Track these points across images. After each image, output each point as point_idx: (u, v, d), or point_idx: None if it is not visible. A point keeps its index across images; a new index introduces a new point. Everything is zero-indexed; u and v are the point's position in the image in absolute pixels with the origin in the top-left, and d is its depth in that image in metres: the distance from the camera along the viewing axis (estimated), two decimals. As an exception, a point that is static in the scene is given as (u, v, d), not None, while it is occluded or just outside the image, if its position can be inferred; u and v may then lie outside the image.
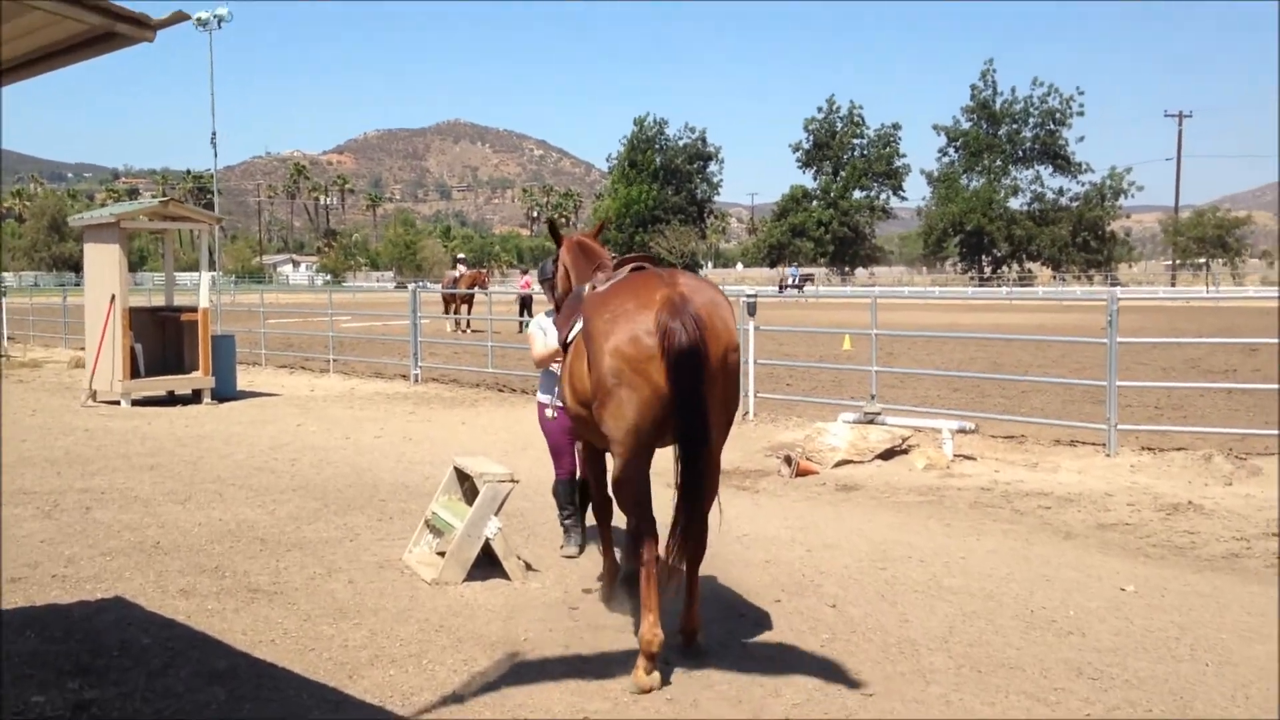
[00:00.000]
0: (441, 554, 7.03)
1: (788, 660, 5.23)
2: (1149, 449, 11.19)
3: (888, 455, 11.14)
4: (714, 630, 5.72)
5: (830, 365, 19.13)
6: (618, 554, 6.57)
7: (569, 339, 5.90)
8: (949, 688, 4.90)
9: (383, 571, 6.89)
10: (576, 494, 7.44)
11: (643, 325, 4.99)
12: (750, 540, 7.93)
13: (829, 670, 5.11)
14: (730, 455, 11.76)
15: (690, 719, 4.54)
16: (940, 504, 9.37)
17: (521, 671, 5.06)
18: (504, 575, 6.65)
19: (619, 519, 6.77)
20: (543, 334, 7.37)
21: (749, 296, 14.47)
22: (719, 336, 5.07)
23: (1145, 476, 10.18)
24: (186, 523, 8.27)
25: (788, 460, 10.79)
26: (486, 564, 6.66)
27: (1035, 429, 12.53)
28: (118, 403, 16.25)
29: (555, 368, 7.22)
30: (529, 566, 6.93)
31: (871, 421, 11.81)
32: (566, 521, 7.58)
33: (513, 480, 6.72)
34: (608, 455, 5.95)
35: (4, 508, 8.68)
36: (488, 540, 6.58)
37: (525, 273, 34.22)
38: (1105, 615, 6.07)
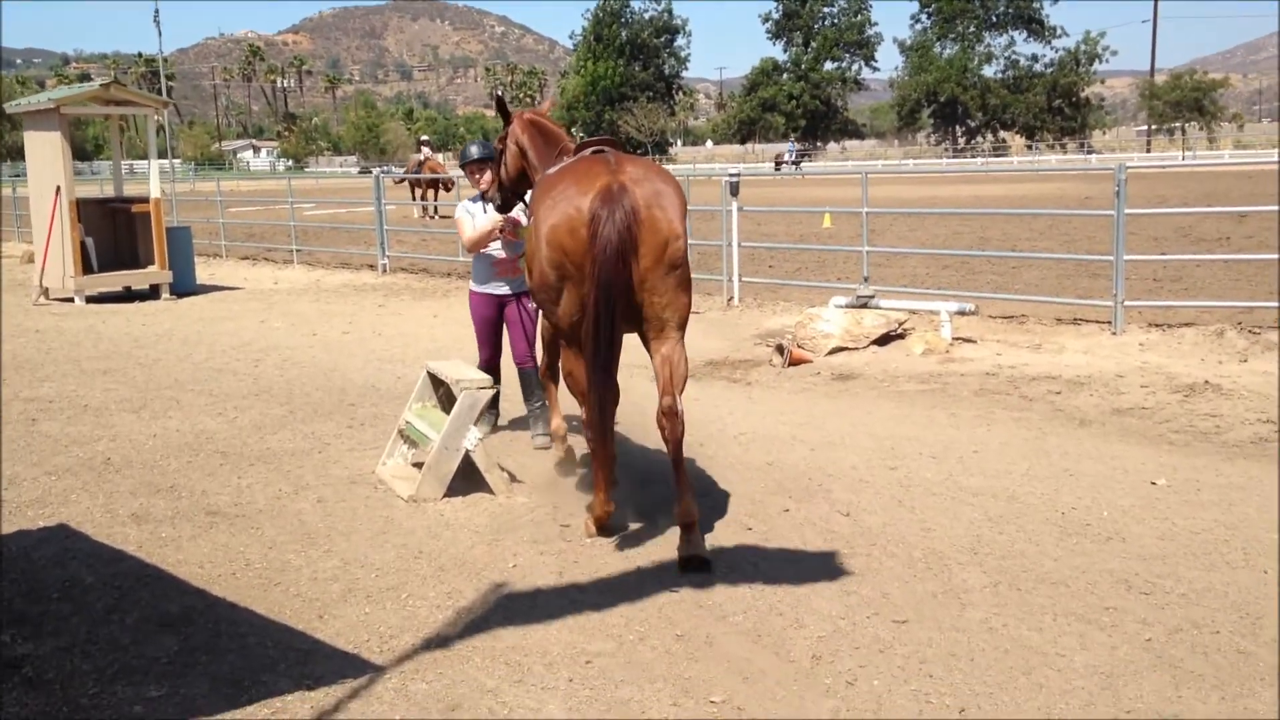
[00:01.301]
0: (418, 466, 6.48)
1: (806, 582, 4.73)
2: (1156, 325, 10.70)
3: (883, 341, 10.61)
4: (722, 548, 5.21)
5: (816, 246, 18.47)
6: (563, 417, 6.73)
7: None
8: (988, 610, 4.42)
9: (354, 488, 6.32)
10: (497, 378, 7.22)
11: (580, 214, 4.93)
12: (748, 440, 7.41)
13: (852, 593, 4.62)
14: (718, 345, 11.23)
15: (707, 659, 4.03)
16: (944, 392, 8.87)
17: (512, 605, 4.53)
18: (487, 489, 6.10)
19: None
20: (470, 218, 7.35)
21: (732, 176, 13.71)
22: (658, 229, 4.96)
23: (1156, 355, 9.70)
24: (140, 434, 7.65)
25: (779, 349, 10.24)
26: (467, 476, 6.10)
27: (1035, 307, 12.00)
28: (71, 300, 15.45)
29: (494, 249, 7.30)
30: (513, 478, 6.38)
31: (865, 305, 11.24)
32: (535, 408, 7.37)
33: (492, 387, 6.12)
34: None
35: (-59, 423, 8.04)
36: (468, 452, 6.01)
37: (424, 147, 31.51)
38: (1142, 515, 5.61)
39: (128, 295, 16.10)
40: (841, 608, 4.46)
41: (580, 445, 6.52)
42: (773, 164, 71.48)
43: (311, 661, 4.02)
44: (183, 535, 5.49)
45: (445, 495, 6.02)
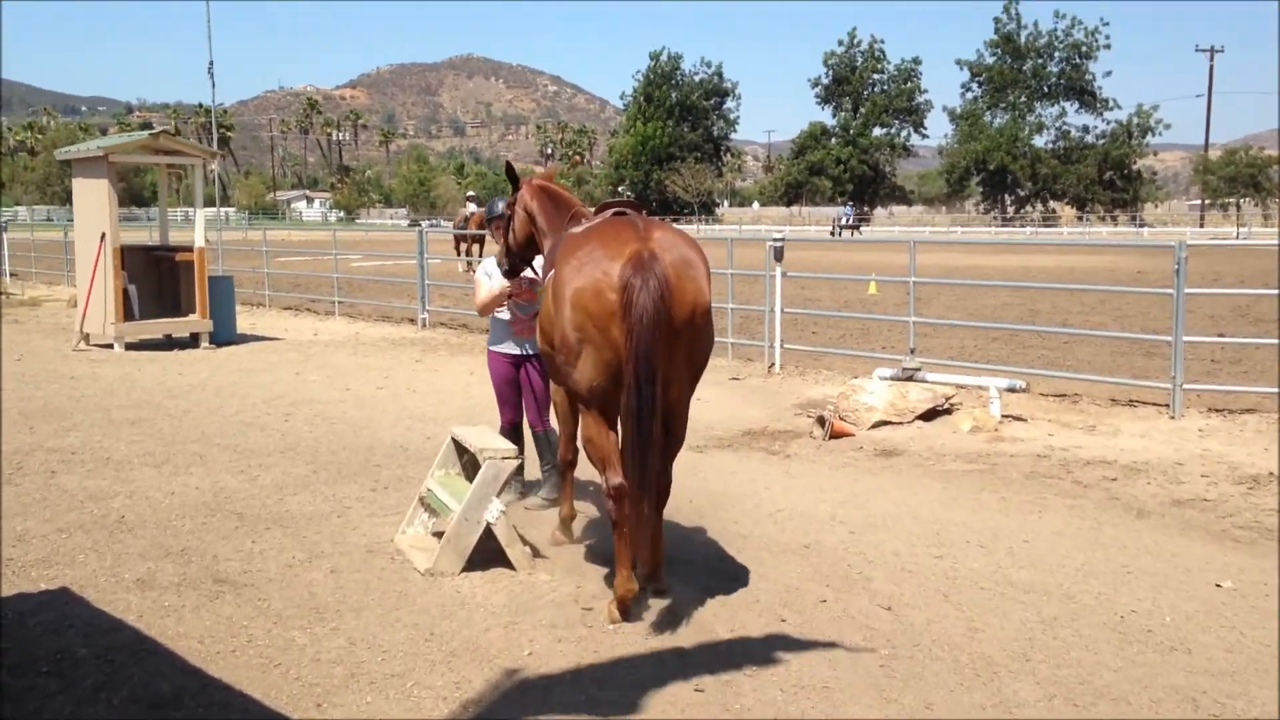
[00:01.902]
0: (438, 535, 6.19)
1: (844, 686, 4.37)
2: (1216, 410, 10.25)
3: (929, 416, 10.24)
4: (753, 643, 4.86)
5: (860, 315, 18.12)
6: (575, 506, 6.61)
7: (543, 285, 5.59)
8: (1042, 728, 4.04)
9: (371, 558, 6.05)
10: (520, 445, 7.15)
11: (607, 279, 4.85)
12: (785, 519, 7.06)
13: (893, 702, 4.25)
14: (757, 413, 10.91)
15: (731, 774, 3.69)
16: (992, 473, 8.48)
17: (524, 700, 4.22)
18: (508, 563, 5.81)
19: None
20: (488, 279, 7.21)
21: (776, 240, 13.47)
22: (685, 299, 4.92)
23: (1216, 443, 9.25)
24: (158, 492, 7.44)
25: (821, 421, 9.90)
26: (488, 548, 5.81)
27: (1088, 386, 11.58)
28: (111, 346, 15.44)
29: (503, 314, 7.25)
30: (536, 552, 6.08)
31: (910, 378, 10.87)
32: (546, 469, 7.30)
33: (517, 457, 5.85)
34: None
35: (-38, 471, 7.89)
36: (489, 525, 5.73)
37: (470, 203, 32.87)
38: (1206, 622, 5.20)
39: (168, 343, 16.07)
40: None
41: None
42: (830, 229, 70.93)
43: (303, 758, 3.72)
44: (186, 605, 5.24)
45: (464, 569, 5.73)
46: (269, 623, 5.02)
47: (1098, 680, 4.48)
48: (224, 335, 16.46)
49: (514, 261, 6.71)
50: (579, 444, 5.29)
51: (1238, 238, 61.84)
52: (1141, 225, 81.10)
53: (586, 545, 6.38)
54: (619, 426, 5.17)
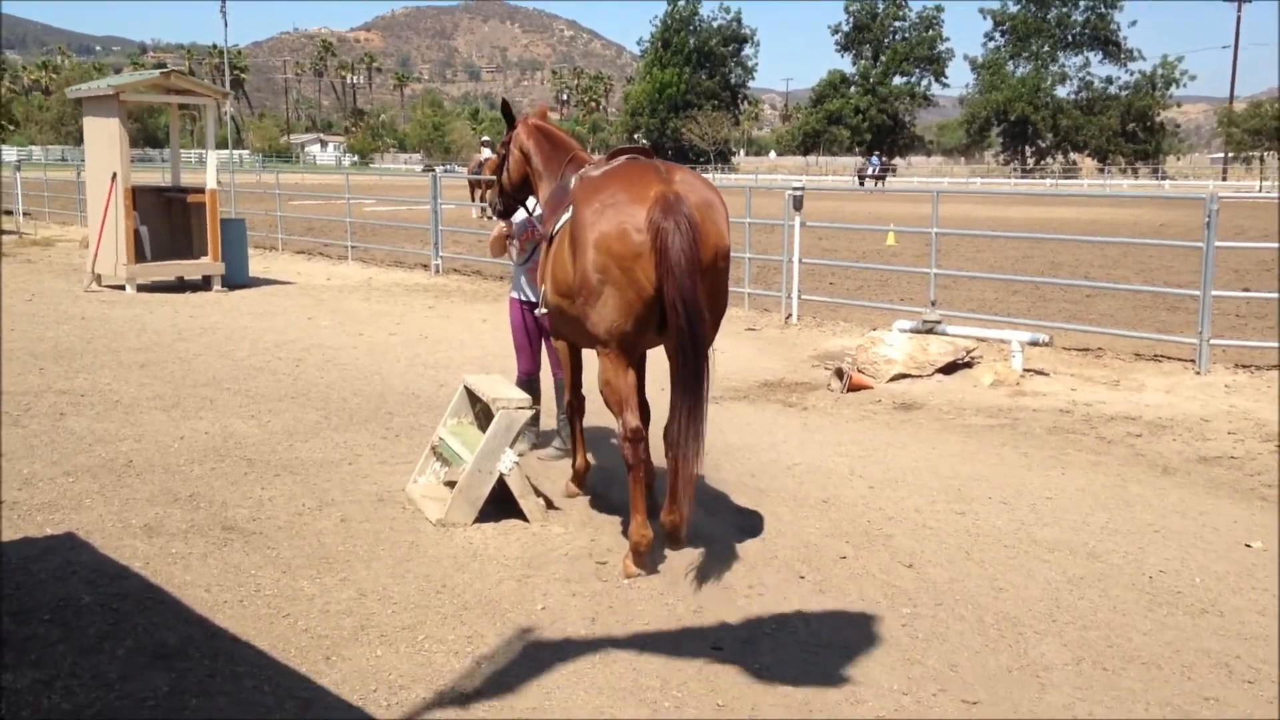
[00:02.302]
0: (450, 485, 6.09)
1: (864, 647, 4.26)
2: (1243, 366, 10.04)
3: (949, 369, 10.06)
4: (771, 599, 4.74)
5: (880, 265, 17.86)
6: (590, 457, 6.46)
7: (555, 230, 5.48)
8: (1071, 694, 3.91)
9: (381, 506, 5.94)
10: (536, 395, 7.11)
11: (633, 220, 4.75)
12: (803, 472, 6.93)
13: (916, 664, 4.13)
14: (774, 364, 10.75)
15: (750, 737, 3.58)
16: (1014, 428, 8.32)
17: (538, 656, 4.11)
18: (521, 515, 5.69)
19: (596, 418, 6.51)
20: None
21: (795, 190, 13.22)
22: (709, 242, 4.84)
23: (1243, 399, 9.06)
24: (167, 435, 7.34)
25: (839, 373, 9.74)
26: (500, 500, 5.70)
27: (1111, 340, 11.37)
28: (123, 288, 15.33)
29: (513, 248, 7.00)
30: (550, 504, 5.96)
31: (931, 331, 10.69)
32: (563, 418, 7.07)
33: (531, 407, 5.71)
34: (584, 352, 6.00)
35: (-30, 413, 7.81)
36: (502, 476, 5.60)
37: (484, 148, 32.42)
38: (1238, 584, 5.05)
39: (180, 285, 15.96)
40: (904, 680, 3.98)
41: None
42: (855, 178, 69.95)
43: (310, 713, 3.63)
44: (194, 552, 5.14)
45: (476, 520, 5.62)
46: (277, 572, 4.92)
47: (1127, 643, 4.35)
48: (236, 278, 16.34)
49: (507, 203, 6.64)
50: (598, 389, 5.12)
51: (1260, 191, 60.99)
52: (1163, 178, 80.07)
53: (600, 497, 6.26)
54: (639, 369, 5.13)
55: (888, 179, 68.16)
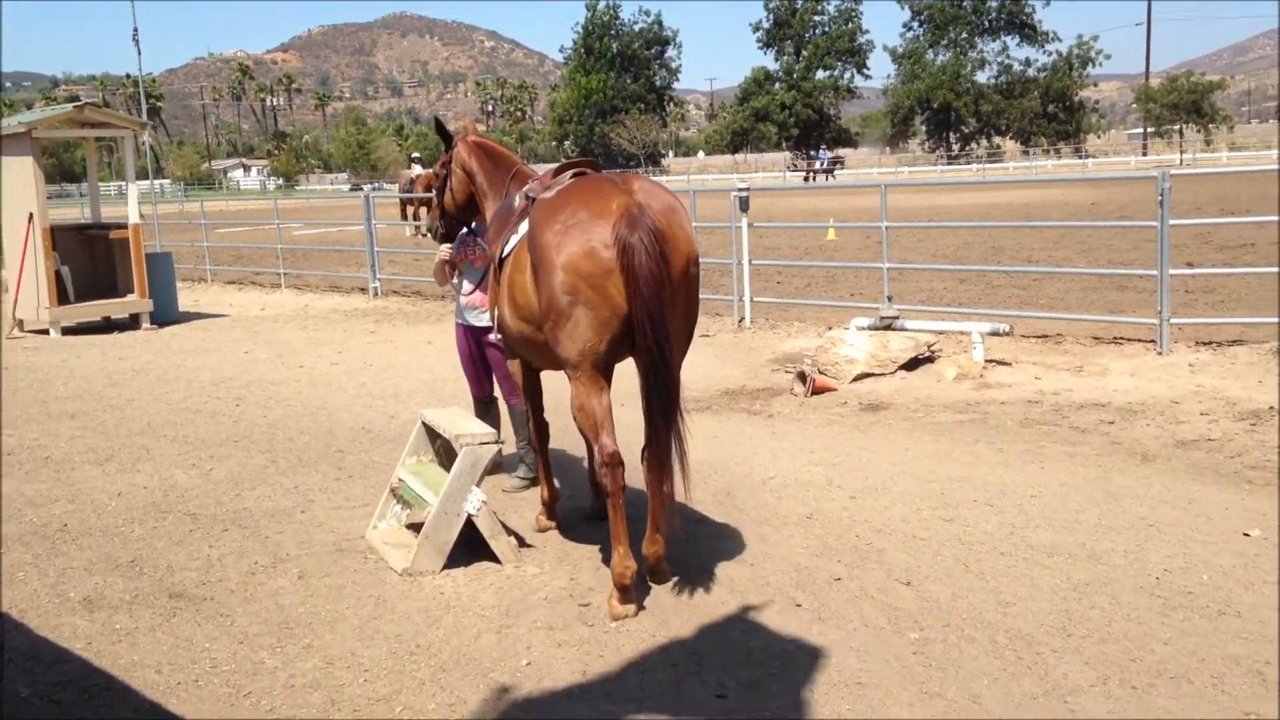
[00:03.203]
0: (412, 528, 5.73)
1: (878, 680, 3.97)
2: (1204, 344, 9.97)
3: (912, 365, 9.86)
4: (769, 634, 4.45)
5: (834, 264, 17.68)
6: (556, 483, 6.20)
7: (505, 253, 5.28)
8: (1104, 716, 3.66)
9: (341, 558, 5.55)
10: (495, 419, 6.86)
11: (599, 237, 4.56)
12: (780, 486, 6.66)
13: (936, 696, 3.86)
14: (733, 371, 10.49)
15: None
16: (985, 423, 8.13)
17: (528, 718, 3.77)
18: (492, 556, 5.35)
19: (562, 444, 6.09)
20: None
21: (741, 190, 12.99)
22: (680, 249, 4.68)
23: (1209, 377, 8.96)
24: (104, 493, 6.88)
25: (801, 376, 9.49)
26: (468, 541, 5.34)
27: (1067, 325, 11.26)
28: (47, 332, 14.68)
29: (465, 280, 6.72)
30: (522, 541, 5.62)
31: (889, 327, 10.50)
32: (523, 445, 6.80)
33: (496, 442, 5.36)
34: (543, 375, 5.83)
35: (-114, 482, 7.26)
36: (470, 517, 5.25)
37: (415, 164, 31.95)
38: (1246, 578, 4.86)
39: (107, 325, 15.33)
40: (926, 717, 3.71)
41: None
42: (802, 175, 69.51)
43: (284, 812, 3.26)
44: (140, 626, 4.72)
45: (445, 567, 5.26)
46: (234, 643, 4.52)
47: (1149, 656, 4.12)
48: (165, 314, 15.76)
49: (450, 225, 6.44)
50: (572, 414, 4.86)
51: (1181, 165, 62.19)
52: (1085, 157, 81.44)
53: (572, 529, 5.93)
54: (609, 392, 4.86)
55: (835, 172, 67.49)
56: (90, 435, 8.57)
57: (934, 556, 5.30)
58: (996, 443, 7.57)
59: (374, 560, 5.50)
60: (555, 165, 5.65)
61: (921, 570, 5.11)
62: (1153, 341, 10.00)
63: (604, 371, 4.79)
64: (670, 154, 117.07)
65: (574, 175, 5.29)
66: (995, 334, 10.04)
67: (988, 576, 5.01)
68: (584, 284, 4.58)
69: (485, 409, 6.89)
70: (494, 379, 6.94)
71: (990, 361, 9.86)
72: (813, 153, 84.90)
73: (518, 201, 5.47)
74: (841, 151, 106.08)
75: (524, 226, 5.04)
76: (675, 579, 5.02)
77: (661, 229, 4.56)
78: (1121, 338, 10.54)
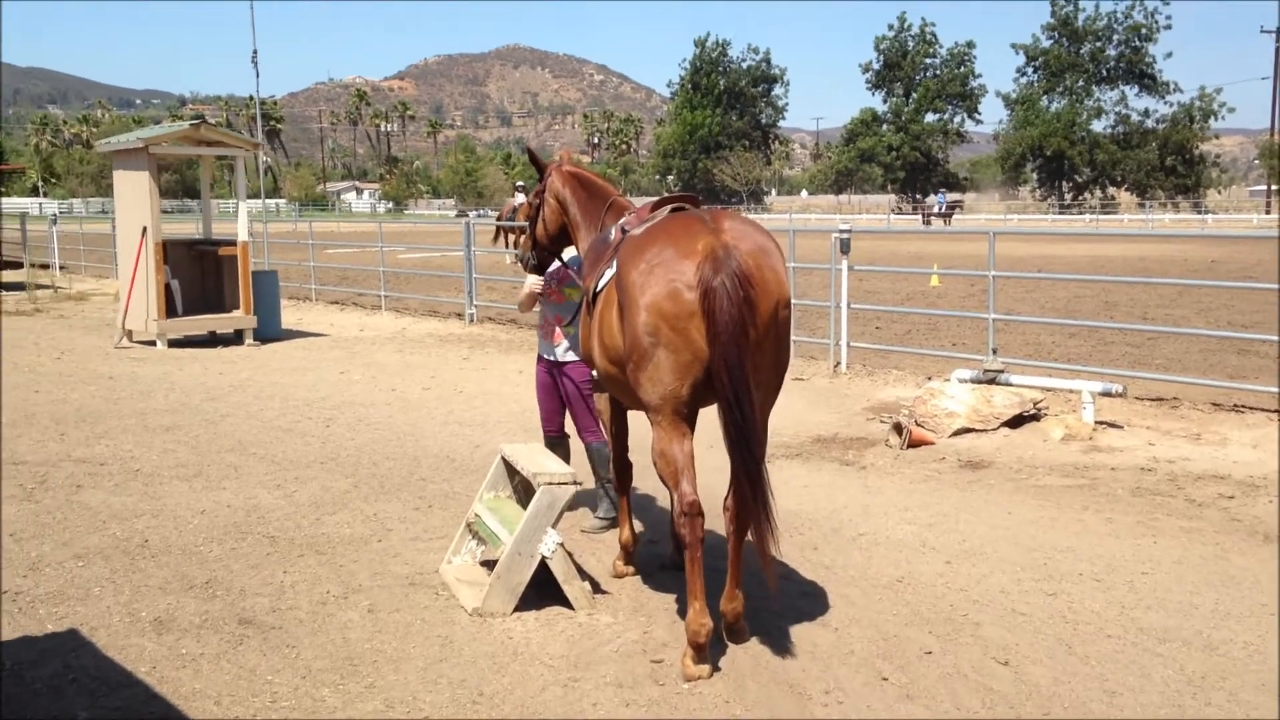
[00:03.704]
0: (486, 564, 5.58)
1: (969, 772, 3.67)
2: (1333, 417, 9.36)
3: (1015, 423, 9.44)
4: (852, 707, 4.17)
5: (937, 311, 17.21)
6: (636, 524, 6.07)
7: (599, 288, 5.13)
8: (1223, 836, 3.32)
9: (413, 592, 5.43)
10: (565, 455, 6.55)
11: (683, 278, 4.41)
12: (870, 544, 6.36)
13: (1033, 794, 3.55)
14: (826, 418, 10.18)
15: None
16: (1094, 489, 7.70)
17: (591, 788, 3.56)
18: (565, 600, 5.16)
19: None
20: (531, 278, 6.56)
21: (842, 232, 12.71)
22: (769, 291, 4.48)
23: (1339, 454, 8.39)
24: (187, 510, 6.88)
25: (898, 428, 9.16)
26: (541, 582, 5.17)
27: (1182, 388, 10.69)
28: (154, 343, 15.02)
29: (547, 309, 6.54)
30: (596, 588, 5.43)
31: (994, 381, 10.10)
32: (606, 481, 6.55)
33: (575, 482, 5.19)
34: (630, 414, 5.62)
35: (-18, 485, 7.39)
36: (544, 559, 5.08)
37: (518, 193, 32.02)
38: (1383, 683, 4.42)
39: (211, 340, 15.65)
40: (1021, 819, 3.40)
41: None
42: (921, 218, 67.34)
43: None
44: (206, 653, 4.64)
45: (516, 609, 5.09)
46: (296, 677, 4.41)
47: (1274, 766, 3.74)
48: (268, 331, 16.02)
49: (542, 256, 6.28)
50: (652, 459, 4.67)
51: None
52: (1205, 212, 78.83)
53: (651, 576, 5.72)
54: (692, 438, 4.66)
55: (953, 217, 64.37)
56: (182, 449, 8.64)
57: (1034, 634, 4.96)
58: (1106, 512, 7.15)
59: (445, 597, 5.35)
60: (653, 200, 5.51)
61: (1021, 649, 4.77)
62: (1277, 412, 9.42)
63: (686, 416, 4.60)
64: (773, 192, 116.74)
65: (672, 210, 5.15)
66: (1108, 394, 9.58)
67: (1093, 661, 4.65)
68: (666, 325, 4.42)
69: (555, 446, 6.70)
70: (567, 416, 6.77)
71: (1100, 423, 9.39)
72: (930, 196, 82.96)
73: (613, 234, 5.35)
74: (949, 196, 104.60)
75: (616, 262, 4.89)
76: (754, 640, 4.76)
77: (748, 271, 4.37)
78: (1243, 405, 9.96)
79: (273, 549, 6.12)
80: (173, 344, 15.10)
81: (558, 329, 6.47)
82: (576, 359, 6.41)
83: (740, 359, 4.30)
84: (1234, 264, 27.04)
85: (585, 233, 5.80)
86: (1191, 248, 35.42)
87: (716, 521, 5.04)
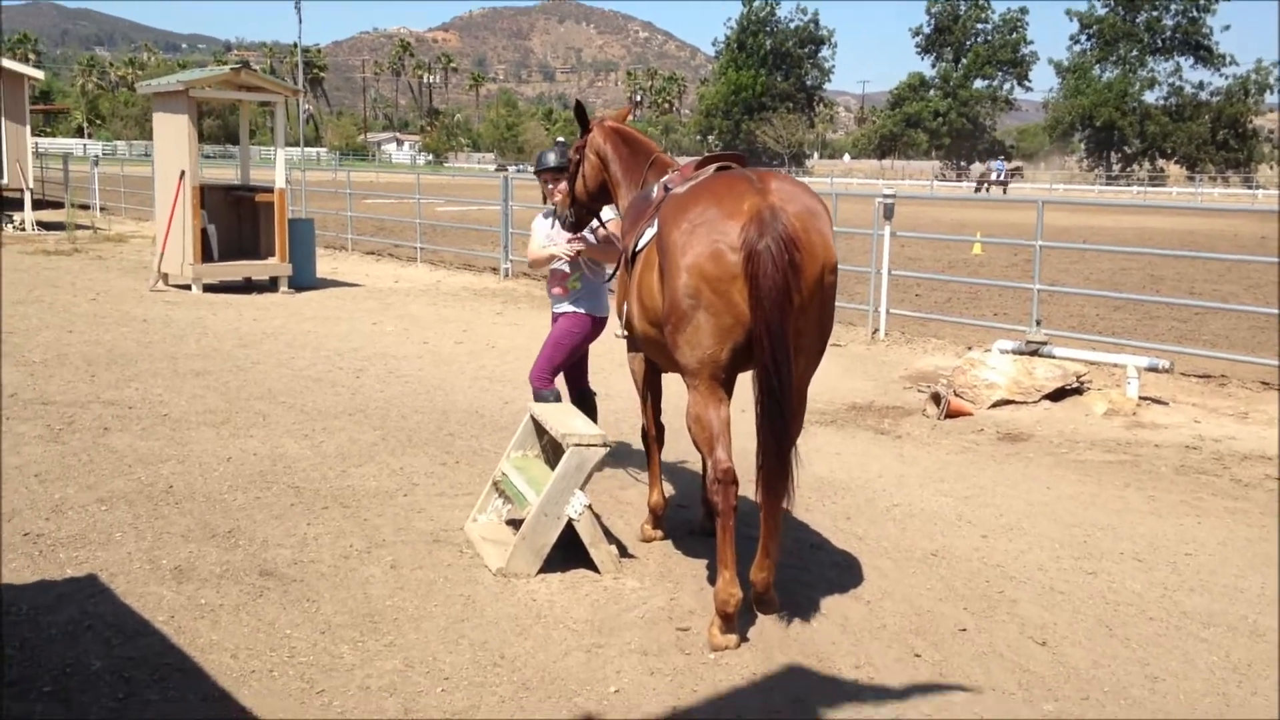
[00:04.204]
0: (512, 524, 5.48)
1: (1003, 757, 3.53)
2: (1389, 401, 9.06)
3: (1057, 396, 9.21)
4: (884, 684, 4.03)
5: (977, 280, 16.91)
6: (667, 488, 5.94)
7: (639, 247, 5.01)
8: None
9: (436, 549, 5.33)
10: (593, 410, 6.50)
11: (726, 239, 4.25)
12: (904, 516, 6.21)
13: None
14: (863, 385, 10.00)
15: None
16: (1136, 466, 7.49)
17: (610, 759, 3.46)
18: (591, 564, 5.05)
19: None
20: (545, 225, 6.55)
21: (886, 197, 12.44)
22: (815, 255, 4.32)
23: (1394, 439, 8.11)
24: (213, 457, 6.82)
25: (935, 398, 8.96)
26: (567, 544, 5.06)
27: (1229, 365, 10.40)
28: (189, 288, 15.02)
29: (560, 265, 6.37)
30: (623, 551, 5.31)
31: (1036, 353, 9.87)
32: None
33: (604, 444, 5.06)
34: (664, 377, 5.54)
35: (12, 424, 7.37)
36: (570, 521, 4.97)
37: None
38: None
39: (246, 286, 15.63)
40: (1057, 810, 3.26)
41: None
42: (975, 184, 65.64)
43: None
44: (225, 604, 4.57)
45: (540, 570, 4.99)
46: (315, 632, 4.32)
47: (1325, 764, 3.58)
48: (303, 280, 15.98)
49: (581, 214, 6.10)
50: (687, 424, 4.54)
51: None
52: (1256, 188, 77.24)
53: (680, 541, 5.60)
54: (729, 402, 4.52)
55: (1009, 185, 62.37)
56: (211, 395, 8.60)
57: (1073, 614, 4.80)
58: (1148, 489, 6.95)
59: (469, 555, 5.26)
60: (697, 158, 5.34)
61: (1059, 629, 4.61)
62: (1330, 392, 9.13)
63: (724, 382, 4.46)
64: (815, 155, 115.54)
65: (717, 169, 4.98)
66: (1153, 370, 9.32)
67: (1134, 644, 4.49)
68: (707, 288, 4.27)
69: (580, 402, 6.60)
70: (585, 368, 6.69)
71: (1145, 399, 9.15)
72: (991, 161, 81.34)
73: (655, 192, 5.18)
74: (993, 164, 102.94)
75: (657, 221, 4.73)
76: (783, 610, 4.64)
77: (795, 234, 4.21)
78: (1293, 385, 9.67)
79: (297, 500, 6.04)
80: (208, 289, 15.09)
81: (565, 283, 6.37)
82: (585, 311, 6.38)
83: (783, 325, 4.15)
84: (1286, 241, 26.37)
85: (626, 190, 5.65)
86: (1241, 222, 34.64)
87: (747, 487, 4.90)
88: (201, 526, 5.53)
